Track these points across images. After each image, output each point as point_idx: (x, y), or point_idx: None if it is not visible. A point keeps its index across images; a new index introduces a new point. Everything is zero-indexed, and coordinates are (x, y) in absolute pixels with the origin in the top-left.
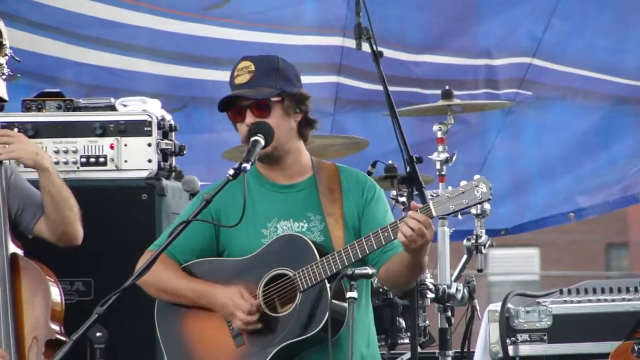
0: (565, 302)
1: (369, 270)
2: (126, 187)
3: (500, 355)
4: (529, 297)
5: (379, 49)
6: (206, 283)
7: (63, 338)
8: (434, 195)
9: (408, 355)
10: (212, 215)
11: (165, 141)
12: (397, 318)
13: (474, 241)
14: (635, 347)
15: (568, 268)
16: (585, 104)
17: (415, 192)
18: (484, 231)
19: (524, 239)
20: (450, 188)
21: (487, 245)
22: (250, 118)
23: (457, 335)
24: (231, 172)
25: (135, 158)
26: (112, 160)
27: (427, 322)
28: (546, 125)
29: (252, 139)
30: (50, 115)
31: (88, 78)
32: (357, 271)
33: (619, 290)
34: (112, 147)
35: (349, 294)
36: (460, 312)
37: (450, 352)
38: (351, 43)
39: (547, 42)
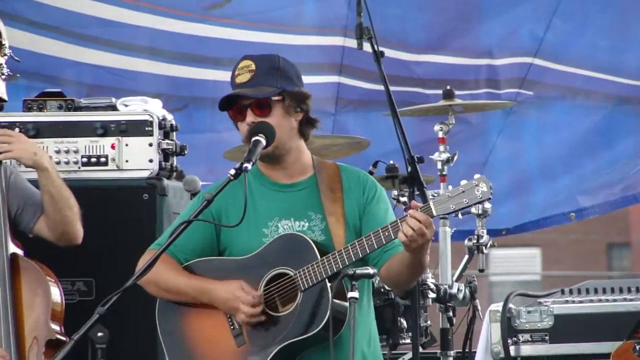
0: (567, 302)
1: (370, 270)
2: (127, 187)
3: (502, 355)
4: (531, 297)
5: (380, 48)
6: (207, 280)
7: (63, 338)
8: (435, 195)
9: (409, 355)
10: (213, 214)
11: (167, 141)
12: (399, 318)
13: (475, 241)
14: (637, 347)
15: (569, 268)
16: (586, 104)
17: (417, 192)
18: (485, 231)
19: (525, 239)
20: (450, 187)
21: (488, 245)
22: (250, 117)
23: (458, 335)
24: (232, 172)
25: (137, 158)
26: (113, 160)
27: (429, 322)
28: (547, 125)
29: (254, 138)
30: (51, 115)
31: (89, 78)
32: (359, 271)
33: (621, 291)
34: (113, 147)
35: (350, 294)
36: (462, 312)
37: (452, 353)
38: (352, 43)
39: (549, 42)
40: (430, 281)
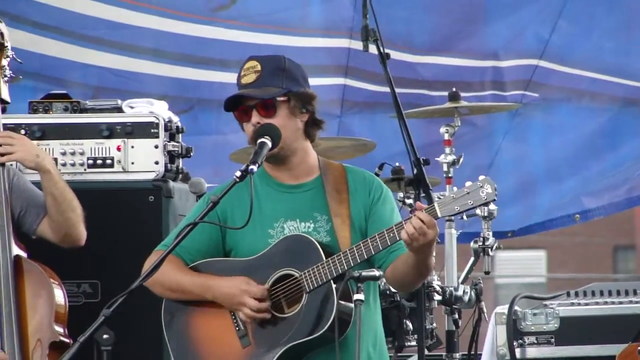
0: (573, 304)
1: (376, 273)
2: (133, 189)
3: (508, 357)
4: (536, 299)
5: (386, 50)
6: (211, 276)
7: (67, 340)
8: (441, 197)
9: (415, 357)
10: (219, 216)
11: (172, 143)
12: (404, 320)
13: (481, 243)
14: None
15: (575, 270)
16: (592, 106)
17: (423, 195)
18: (491, 233)
19: (530, 241)
20: (455, 189)
21: (494, 247)
22: (256, 118)
23: (464, 337)
24: (238, 174)
25: (142, 160)
26: (119, 162)
27: (434, 324)
28: (553, 127)
29: (259, 140)
30: (57, 117)
31: (95, 80)
32: (364, 273)
33: (626, 293)
34: (119, 149)
35: (356, 296)
36: (468, 315)
37: (458, 355)
38: (358, 45)
39: (554, 44)
40: (436, 283)
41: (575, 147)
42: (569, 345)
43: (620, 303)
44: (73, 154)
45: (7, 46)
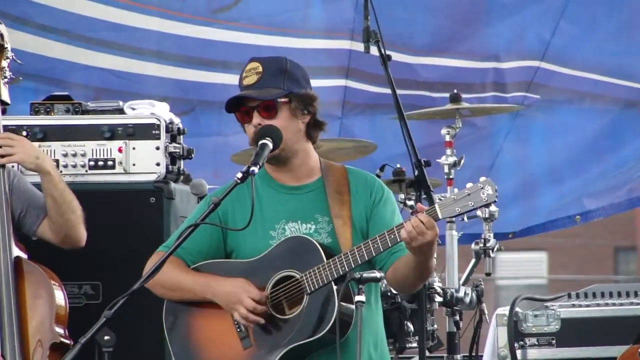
0: (574, 306)
1: (377, 274)
2: (134, 190)
3: (509, 359)
4: (537, 301)
5: (387, 52)
6: (211, 276)
7: (67, 341)
8: (442, 198)
9: (416, 359)
10: (220, 217)
11: (174, 144)
12: (405, 322)
13: (482, 245)
14: None
15: (576, 272)
16: (593, 108)
17: (423, 196)
18: (492, 235)
19: (532, 242)
20: (456, 190)
21: (495, 249)
22: (257, 119)
23: (465, 339)
24: (239, 175)
25: (144, 161)
26: (121, 163)
27: (435, 325)
28: (554, 128)
29: (261, 142)
30: (58, 119)
31: (96, 81)
32: (365, 275)
33: (627, 294)
34: (120, 150)
35: (357, 298)
36: (469, 316)
37: (459, 356)
38: (359, 46)
39: (556, 46)
40: (437, 285)
41: (576, 148)
42: (570, 347)
43: (621, 305)
44: (74, 155)
45: (7, 47)
